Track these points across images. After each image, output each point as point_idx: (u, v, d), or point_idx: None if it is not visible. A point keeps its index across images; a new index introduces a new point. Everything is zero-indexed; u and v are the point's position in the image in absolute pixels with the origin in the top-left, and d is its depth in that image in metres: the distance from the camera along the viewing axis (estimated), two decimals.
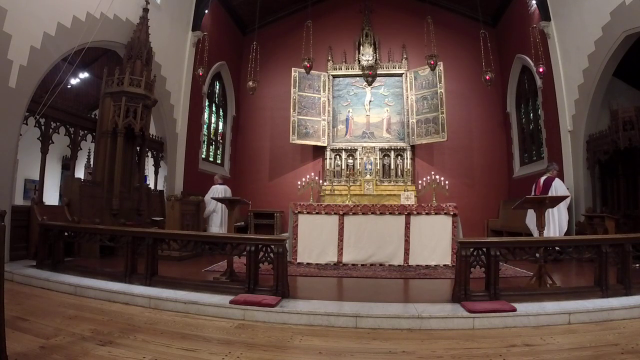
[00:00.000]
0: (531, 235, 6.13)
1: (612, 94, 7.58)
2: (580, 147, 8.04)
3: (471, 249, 3.74)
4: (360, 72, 11.96)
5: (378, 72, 11.92)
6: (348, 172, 10.57)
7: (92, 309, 3.63)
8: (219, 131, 12.23)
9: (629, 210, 6.80)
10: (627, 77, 8.75)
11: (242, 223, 11.36)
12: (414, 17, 11.65)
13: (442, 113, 10.73)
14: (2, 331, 2.16)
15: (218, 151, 12.16)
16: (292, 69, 11.31)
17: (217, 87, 12.17)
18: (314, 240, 6.46)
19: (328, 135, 11.64)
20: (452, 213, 6.40)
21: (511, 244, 3.85)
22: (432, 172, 8.54)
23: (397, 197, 10.02)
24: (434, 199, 7.14)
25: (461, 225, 6.47)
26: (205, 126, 11.14)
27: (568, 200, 6.09)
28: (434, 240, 6.34)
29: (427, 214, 6.46)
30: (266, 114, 12.69)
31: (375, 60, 11.82)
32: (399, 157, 11.56)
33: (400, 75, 11.84)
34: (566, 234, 6.55)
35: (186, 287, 4.03)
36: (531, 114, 10.64)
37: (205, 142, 11.25)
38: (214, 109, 11.86)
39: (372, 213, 6.52)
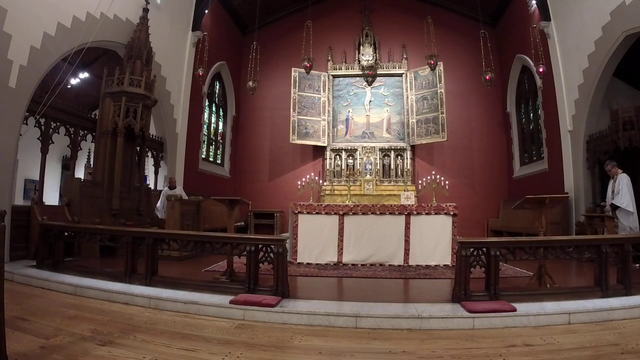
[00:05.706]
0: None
1: (612, 94, 7.57)
2: (580, 147, 8.05)
3: (471, 249, 3.75)
4: (360, 72, 11.96)
5: (378, 72, 11.92)
6: (348, 172, 10.58)
7: (92, 309, 3.62)
8: (219, 131, 12.24)
9: None
10: (627, 77, 8.75)
11: (242, 223, 11.37)
12: (414, 17, 11.64)
13: (442, 113, 10.73)
14: (2, 331, 2.16)
15: (218, 151, 12.16)
16: (292, 69, 11.31)
17: (217, 87, 12.17)
18: (314, 240, 6.46)
19: (328, 135, 11.64)
20: (452, 213, 6.40)
21: (511, 244, 3.85)
22: (432, 172, 8.53)
23: (397, 197, 10.02)
24: (434, 199, 7.13)
25: (460, 225, 6.46)
26: (205, 126, 11.15)
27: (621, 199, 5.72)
28: (434, 240, 6.34)
29: (427, 214, 6.46)
30: (266, 114, 12.70)
31: (375, 60, 11.83)
32: (399, 157, 11.56)
33: (400, 75, 11.85)
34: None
35: (186, 287, 4.03)
36: (531, 114, 10.64)
37: (205, 142, 11.26)
38: (214, 109, 11.87)
39: (372, 213, 6.52)
